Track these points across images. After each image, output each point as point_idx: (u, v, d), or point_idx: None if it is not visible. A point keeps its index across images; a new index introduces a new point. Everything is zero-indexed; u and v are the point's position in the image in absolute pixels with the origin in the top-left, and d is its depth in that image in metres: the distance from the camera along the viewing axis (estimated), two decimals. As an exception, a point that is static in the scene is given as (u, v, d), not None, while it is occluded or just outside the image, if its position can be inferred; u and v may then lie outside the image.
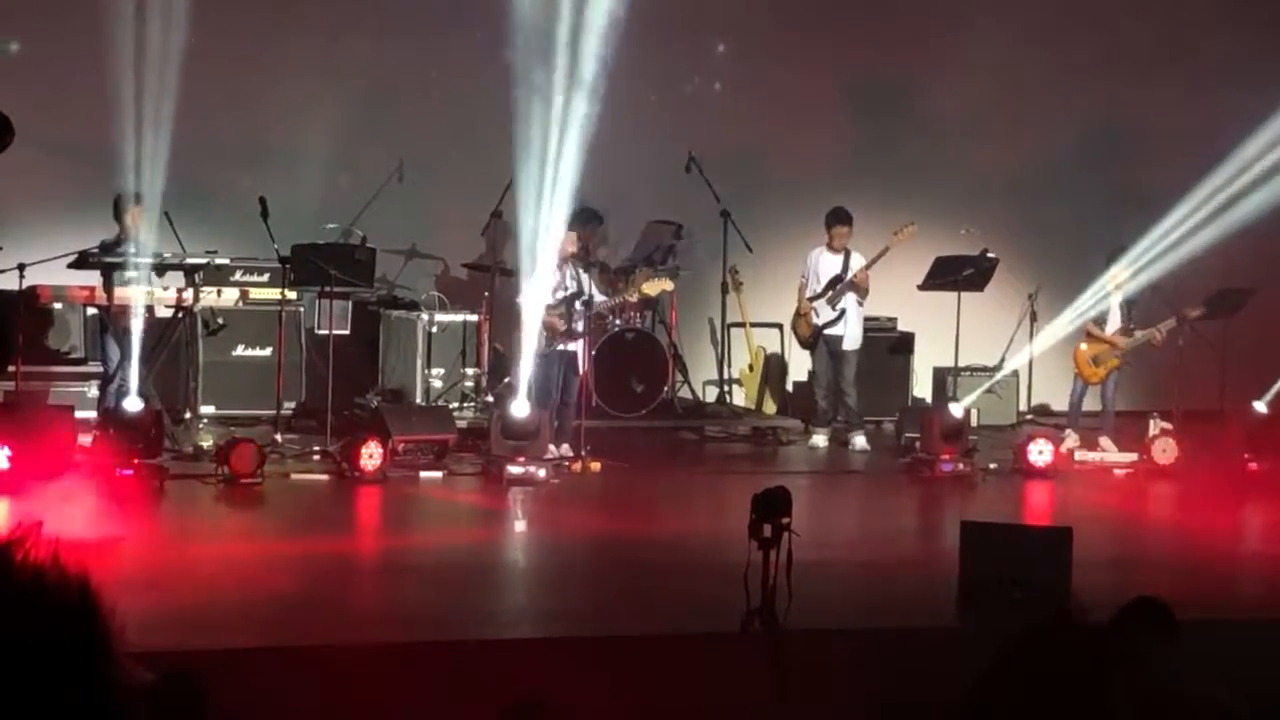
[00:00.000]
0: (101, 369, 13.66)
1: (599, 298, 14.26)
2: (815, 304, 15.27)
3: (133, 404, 12.31)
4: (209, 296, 13.43)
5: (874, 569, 10.48)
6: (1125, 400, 15.62)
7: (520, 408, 13.09)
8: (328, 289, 13.78)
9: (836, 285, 15.20)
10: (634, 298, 14.89)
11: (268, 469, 12.36)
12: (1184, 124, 17.08)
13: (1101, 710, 3.24)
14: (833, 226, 15.22)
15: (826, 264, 15.29)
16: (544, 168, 13.51)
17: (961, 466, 13.62)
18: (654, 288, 14.77)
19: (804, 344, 15.57)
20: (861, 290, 15.14)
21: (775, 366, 16.55)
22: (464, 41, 15.87)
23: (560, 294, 13.91)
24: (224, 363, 14.50)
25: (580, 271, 14.03)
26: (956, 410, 14.04)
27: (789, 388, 16.58)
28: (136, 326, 12.80)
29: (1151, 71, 17.58)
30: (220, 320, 13.85)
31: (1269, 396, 14.73)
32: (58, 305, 14.14)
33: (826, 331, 15.27)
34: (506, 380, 14.45)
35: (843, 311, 15.23)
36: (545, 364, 13.89)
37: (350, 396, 14.49)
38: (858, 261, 15.20)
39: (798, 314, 15.44)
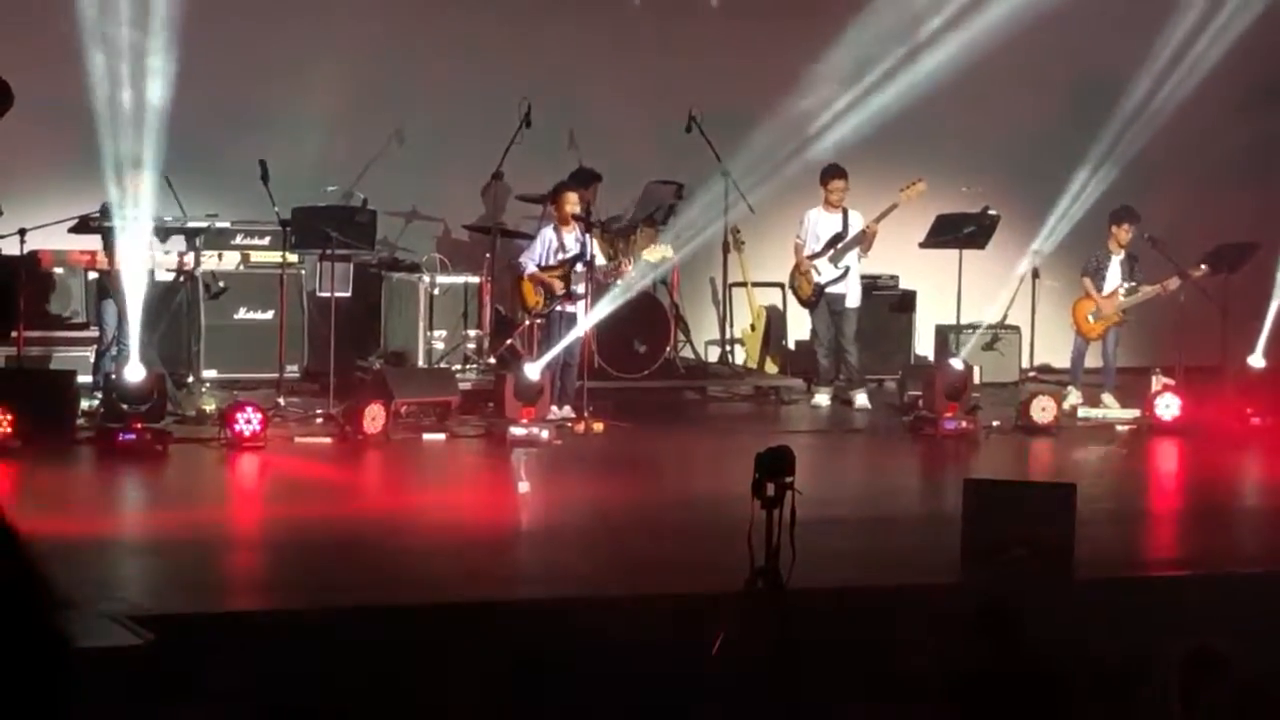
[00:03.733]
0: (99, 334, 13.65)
1: (600, 260, 14.19)
2: (816, 262, 15.23)
3: (134, 372, 12.26)
4: (210, 260, 13.40)
5: (877, 527, 10.51)
6: (1127, 356, 15.60)
7: (533, 369, 13.12)
8: (329, 251, 13.77)
9: (839, 243, 15.14)
10: (631, 266, 14.74)
11: (270, 432, 12.36)
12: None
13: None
14: (829, 180, 15.16)
15: (826, 223, 15.23)
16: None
17: (964, 424, 13.59)
18: (654, 254, 14.61)
19: (804, 303, 15.52)
20: (869, 244, 15.07)
21: (777, 326, 16.51)
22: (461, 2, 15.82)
23: (561, 255, 13.89)
24: (226, 326, 14.46)
25: (586, 235, 13.96)
26: (959, 367, 14.02)
27: (791, 347, 16.56)
28: (137, 290, 12.76)
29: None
30: (221, 284, 13.84)
31: (1259, 349, 14.72)
32: (59, 270, 14.11)
33: (829, 290, 15.23)
34: (509, 342, 14.44)
35: (846, 269, 15.19)
36: (546, 326, 13.90)
37: (352, 359, 14.48)
38: (856, 220, 15.15)
39: (799, 271, 15.38)
